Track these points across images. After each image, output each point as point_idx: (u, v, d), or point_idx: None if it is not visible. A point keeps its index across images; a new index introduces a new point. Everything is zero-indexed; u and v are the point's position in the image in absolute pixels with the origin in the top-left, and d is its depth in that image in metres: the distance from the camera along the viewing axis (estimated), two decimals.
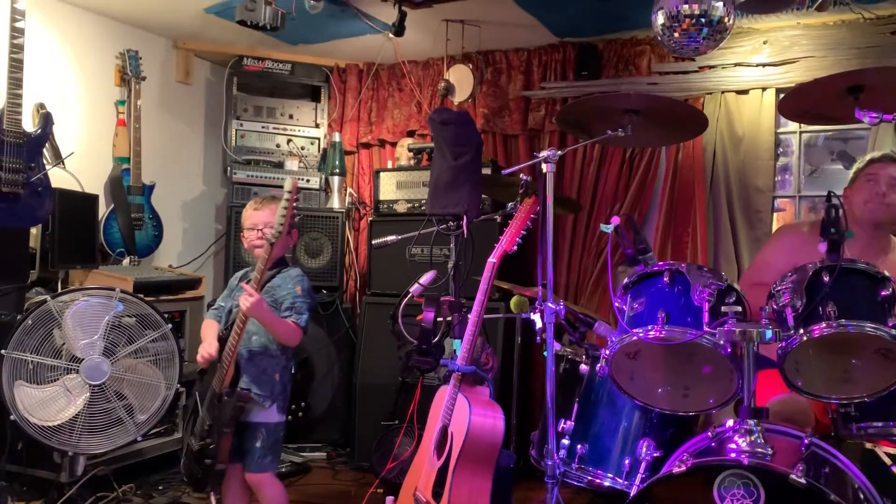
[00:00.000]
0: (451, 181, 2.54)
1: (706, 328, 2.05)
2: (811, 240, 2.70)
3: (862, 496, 1.97)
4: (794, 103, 2.30)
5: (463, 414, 2.23)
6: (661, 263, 2.29)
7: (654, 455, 2.41)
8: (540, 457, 2.86)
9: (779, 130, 3.84)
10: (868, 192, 2.69)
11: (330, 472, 4.00)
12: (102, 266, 3.75)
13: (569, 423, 2.63)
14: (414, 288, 2.66)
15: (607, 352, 2.26)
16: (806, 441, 2.06)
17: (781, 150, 3.93)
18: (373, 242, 2.93)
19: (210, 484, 2.68)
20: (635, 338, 2.17)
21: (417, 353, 2.56)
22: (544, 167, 2.29)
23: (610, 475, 2.52)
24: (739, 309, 2.02)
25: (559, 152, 2.28)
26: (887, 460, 2.28)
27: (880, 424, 2.16)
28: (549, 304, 2.27)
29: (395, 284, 4.01)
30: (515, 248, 2.38)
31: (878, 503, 1.98)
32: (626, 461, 2.46)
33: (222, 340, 2.59)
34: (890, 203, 2.66)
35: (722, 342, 2.05)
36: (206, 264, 4.66)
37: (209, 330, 2.74)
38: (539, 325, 2.30)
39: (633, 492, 2.38)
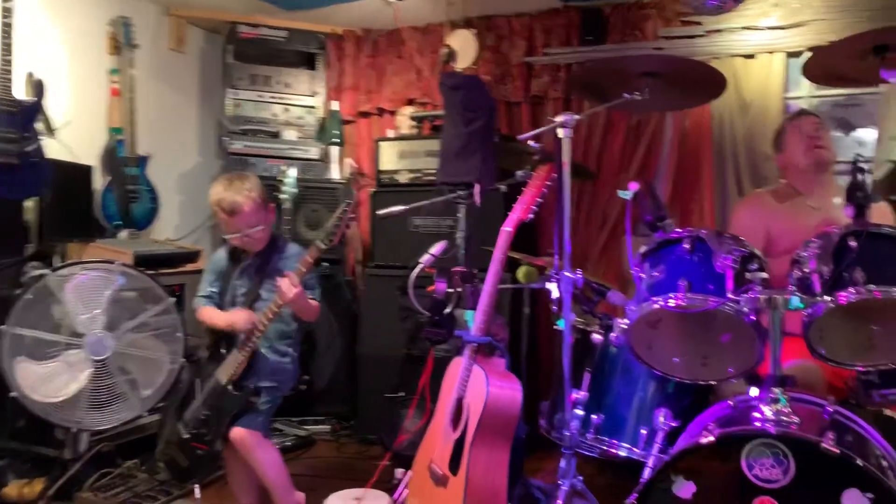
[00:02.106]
0: (463, 148, 2.48)
1: (730, 295, 2.01)
2: (776, 206, 2.88)
3: (885, 463, 1.94)
4: (820, 64, 2.24)
5: (480, 386, 2.19)
6: (680, 230, 2.23)
7: (672, 425, 2.38)
8: (550, 427, 2.84)
9: (787, 95, 3.77)
10: (804, 141, 2.86)
11: (335, 445, 3.98)
12: (100, 239, 3.67)
13: (581, 393, 2.59)
14: (425, 259, 2.60)
15: (627, 321, 2.21)
16: (829, 409, 2.04)
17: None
18: (378, 213, 2.86)
19: (198, 474, 2.65)
20: (656, 306, 2.13)
21: (430, 325, 2.50)
22: (560, 133, 2.22)
23: (626, 445, 2.50)
24: (766, 276, 1.98)
25: (576, 117, 2.21)
26: None
27: None
28: (567, 274, 2.22)
29: (399, 256, 3.96)
30: (531, 216, 2.32)
31: (893, 468, 1.95)
32: (643, 431, 2.44)
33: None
34: (825, 145, 2.85)
35: (746, 309, 2.01)
36: (203, 237, 4.58)
37: (214, 313, 2.69)
38: (556, 294, 2.25)
39: (650, 462, 2.37)
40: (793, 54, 3.73)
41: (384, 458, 3.64)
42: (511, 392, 2.21)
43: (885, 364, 2.02)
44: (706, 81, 2.43)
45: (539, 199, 2.31)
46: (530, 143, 2.64)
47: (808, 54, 3.69)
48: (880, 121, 3.43)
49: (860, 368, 2.07)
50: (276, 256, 2.69)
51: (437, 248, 2.62)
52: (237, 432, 2.53)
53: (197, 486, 2.62)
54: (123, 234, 3.88)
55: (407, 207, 2.97)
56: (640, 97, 2.32)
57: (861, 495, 1.68)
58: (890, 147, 3.37)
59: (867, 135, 3.74)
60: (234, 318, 2.57)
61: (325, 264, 4.24)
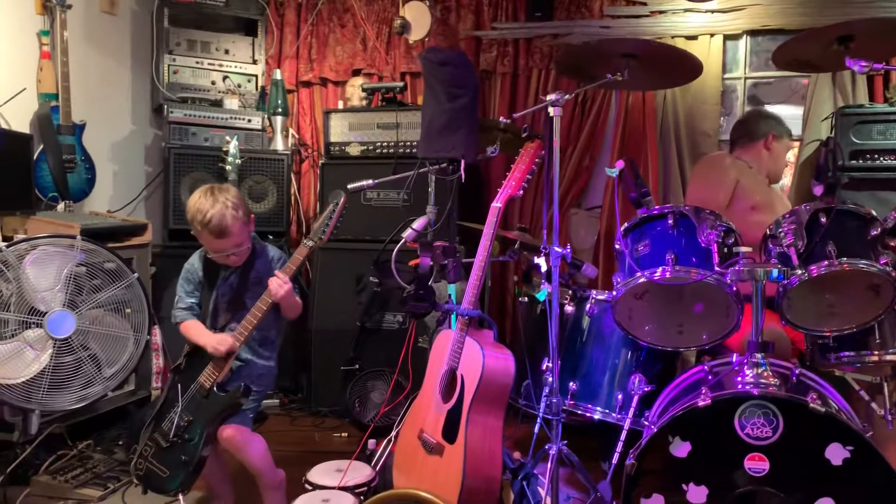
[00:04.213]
0: (447, 124, 2.50)
1: (717, 268, 2.15)
2: (735, 167, 3.03)
3: (845, 417, 2.15)
4: (788, 51, 2.39)
5: (475, 357, 2.25)
6: (663, 206, 2.35)
7: (645, 389, 2.52)
8: (517, 395, 2.94)
9: (725, 76, 3.98)
10: (784, 161, 3.24)
11: (287, 419, 3.95)
12: (39, 212, 3.47)
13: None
14: (407, 234, 2.63)
15: (614, 293, 2.32)
16: (796, 371, 2.22)
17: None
18: (349, 187, 2.84)
19: (181, 482, 2.50)
20: (643, 279, 2.25)
21: (413, 299, 2.54)
22: (551, 111, 2.28)
23: (600, 409, 2.63)
24: (749, 249, 2.12)
25: (567, 95, 2.27)
26: (857, 386, 2.49)
27: (853, 353, 2.35)
28: (556, 249, 2.30)
29: (350, 229, 3.94)
30: (521, 192, 2.38)
31: (857, 423, 2.15)
32: (619, 396, 2.57)
33: None
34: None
35: (729, 281, 2.15)
36: (138, 208, 4.41)
37: (197, 328, 2.58)
38: (545, 268, 2.33)
39: (626, 424, 2.51)
40: (730, 37, 3.94)
41: (345, 429, 3.70)
42: (505, 362, 2.28)
43: (850, 328, 2.21)
44: (683, 65, 2.54)
45: (528, 176, 2.37)
46: (501, 119, 2.72)
47: (748, 38, 3.96)
48: (811, 103, 3.67)
49: (826, 333, 2.26)
50: (257, 262, 2.63)
51: (418, 223, 2.65)
52: (227, 432, 2.48)
53: (181, 495, 2.53)
54: (60, 206, 3.69)
55: (375, 182, 2.97)
56: (621, 78, 2.41)
57: (842, 448, 1.86)
58: (819, 128, 3.63)
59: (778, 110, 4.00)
60: (216, 340, 2.48)
61: (270, 238, 4.17)
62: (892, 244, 2.20)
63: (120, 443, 3.29)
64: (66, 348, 2.70)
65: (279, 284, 2.42)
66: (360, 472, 2.64)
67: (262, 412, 3.96)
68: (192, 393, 2.50)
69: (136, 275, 2.86)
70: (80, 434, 3.25)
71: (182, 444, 2.47)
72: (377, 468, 2.75)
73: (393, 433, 2.80)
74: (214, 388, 2.47)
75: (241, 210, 2.52)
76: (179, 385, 2.54)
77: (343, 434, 3.69)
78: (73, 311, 2.71)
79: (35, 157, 3.61)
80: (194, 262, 2.69)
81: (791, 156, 3.88)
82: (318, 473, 2.63)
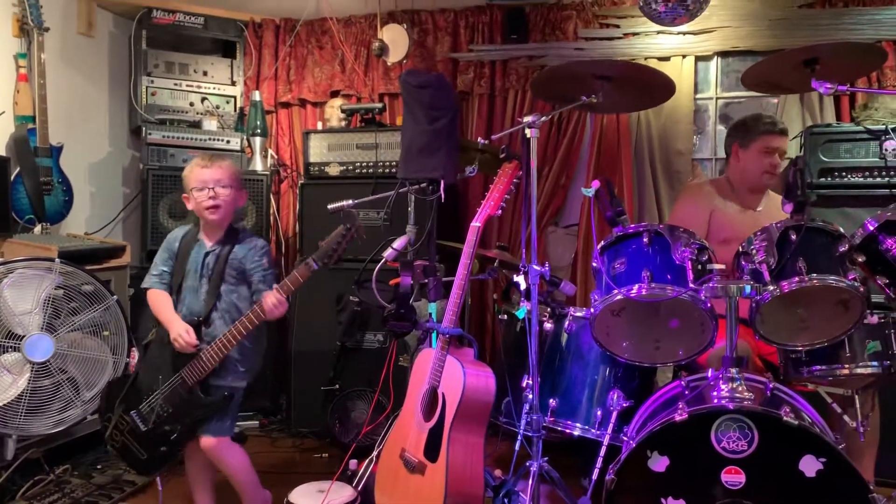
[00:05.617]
0: (426, 146, 2.54)
1: (692, 285, 2.19)
2: (718, 199, 3.02)
3: (818, 430, 2.20)
4: (756, 74, 2.46)
5: (456, 375, 2.28)
6: (638, 225, 2.40)
7: (624, 405, 2.56)
8: (497, 412, 2.96)
9: (697, 96, 4.07)
10: (767, 164, 2.95)
11: (267, 440, 3.93)
12: (16, 235, 3.46)
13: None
14: (388, 253, 2.66)
15: (592, 310, 2.36)
16: (770, 385, 2.27)
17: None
18: (329, 207, 2.87)
19: (158, 467, 2.57)
20: (619, 297, 2.29)
21: (394, 317, 2.56)
22: (528, 132, 2.33)
23: (579, 425, 2.65)
24: (722, 267, 2.17)
25: (543, 118, 2.32)
26: (828, 399, 2.54)
27: (825, 367, 2.40)
28: (535, 267, 2.34)
29: None
30: (500, 211, 2.42)
31: (830, 435, 2.20)
32: (598, 412, 2.60)
33: (195, 326, 2.52)
34: (777, 172, 2.99)
35: (703, 297, 2.20)
36: (116, 230, 4.39)
37: (164, 304, 2.60)
38: (524, 286, 2.36)
39: (605, 440, 2.54)
40: (702, 58, 4.03)
41: (326, 450, 3.69)
42: (486, 379, 2.31)
43: (822, 342, 2.26)
44: (656, 85, 2.60)
45: (507, 196, 2.41)
46: (480, 139, 2.76)
47: (719, 59, 4.05)
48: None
49: (798, 347, 2.31)
50: (236, 248, 2.63)
51: (399, 243, 2.68)
52: (207, 441, 2.51)
53: (158, 478, 2.56)
54: (37, 228, 3.67)
55: (356, 201, 2.99)
56: (595, 100, 2.46)
57: (816, 460, 1.91)
58: (788, 147, 3.71)
59: None
60: (180, 333, 2.48)
61: None
62: (860, 260, 2.27)
63: (98, 467, 3.26)
64: (44, 372, 2.69)
65: (275, 305, 2.43)
66: (342, 493, 2.65)
67: (241, 433, 3.94)
68: (175, 385, 2.51)
69: (114, 297, 2.86)
70: (57, 459, 3.21)
71: (162, 434, 2.51)
72: (359, 488, 2.75)
73: (374, 453, 2.80)
74: (197, 389, 2.49)
75: (235, 168, 2.68)
76: (160, 367, 2.54)
77: (324, 455, 3.68)
78: (51, 335, 2.70)
79: (12, 180, 3.61)
80: (177, 234, 2.74)
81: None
82: (299, 494, 2.63)
